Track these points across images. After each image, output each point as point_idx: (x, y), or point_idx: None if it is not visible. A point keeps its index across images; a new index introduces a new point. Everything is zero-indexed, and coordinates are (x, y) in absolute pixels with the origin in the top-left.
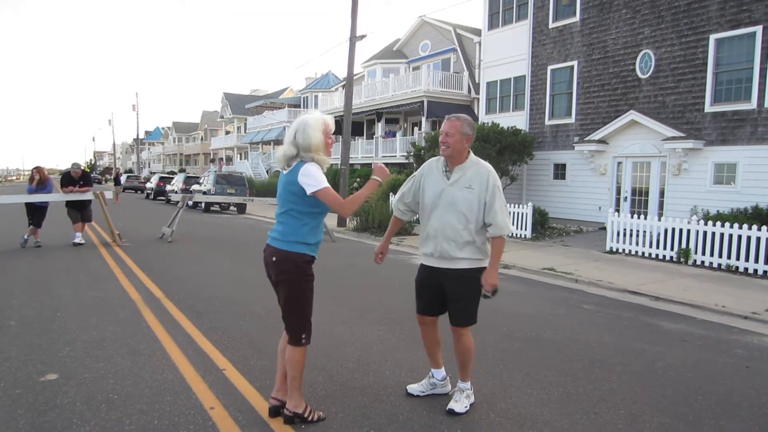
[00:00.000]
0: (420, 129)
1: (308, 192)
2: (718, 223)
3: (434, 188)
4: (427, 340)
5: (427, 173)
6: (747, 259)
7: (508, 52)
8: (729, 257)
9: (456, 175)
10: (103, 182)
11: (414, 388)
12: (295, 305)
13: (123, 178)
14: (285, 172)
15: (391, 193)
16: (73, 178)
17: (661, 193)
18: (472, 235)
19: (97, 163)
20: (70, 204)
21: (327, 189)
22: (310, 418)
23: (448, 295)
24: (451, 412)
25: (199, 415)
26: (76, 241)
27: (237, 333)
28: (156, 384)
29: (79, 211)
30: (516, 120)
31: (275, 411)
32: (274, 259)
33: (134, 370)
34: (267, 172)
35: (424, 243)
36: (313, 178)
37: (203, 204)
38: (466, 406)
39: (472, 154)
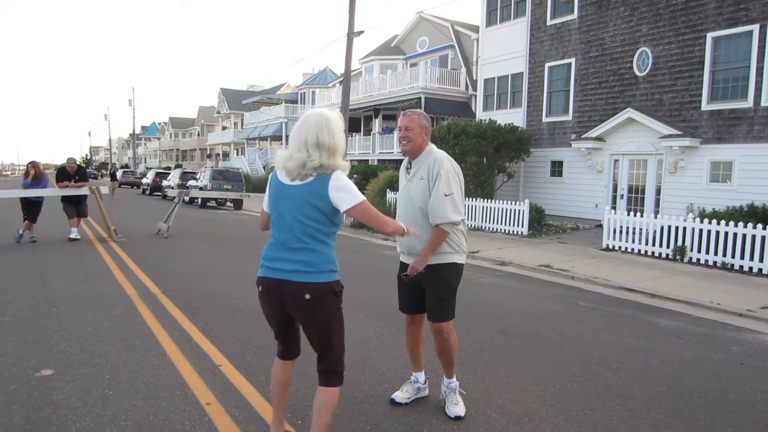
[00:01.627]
0: None
1: (344, 209)
2: (714, 221)
3: (400, 186)
4: (411, 339)
5: (400, 174)
6: (742, 257)
7: (505, 48)
8: (725, 255)
9: (414, 168)
10: (99, 177)
11: (400, 396)
12: (338, 339)
13: (119, 174)
14: (296, 182)
15: (388, 190)
16: (69, 173)
17: (658, 191)
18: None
19: (93, 159)
20: (65, 199)
21: (366, 203)
22: None
23: (426, 290)
24: (458, 418)
25: (195, 411)
26: (72, 236)
27: (233, 329)
28: (152, 380)
29: (75, 206)
30: (513, 117)
31: None
32: (308, 297)
33: (130, 365)
34: (264, 167)
35: (399, 240)
36: (350, 191)
37: (200, 200)
38: (464, 406)
39: (430, 146)
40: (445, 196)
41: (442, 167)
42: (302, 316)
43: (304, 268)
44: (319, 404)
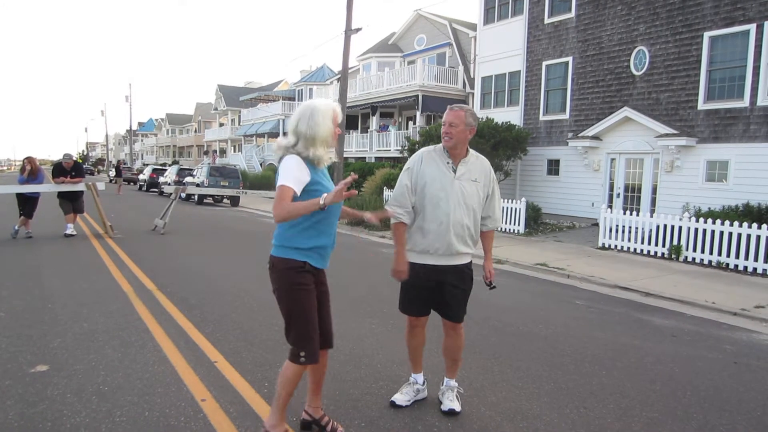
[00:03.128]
0: (415, 123)
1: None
2: (710, 220)
3: (439, 180)
4: (417, 341)
5: (426, 163)
6: (737, 256)
7: (503, 47)
8: (720, 254)
9: (462, 168)
10: (96, 173)
11: (400, 399)
12: (290, 319)
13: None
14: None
15: (385, 187)
16: (65, 169)
17: (654, 190)
18: (475, 229)
19: (90, 154)
20: (62, 195)
21: (282, 188)
22: None
23: (448, 291)
24: (452, 412)
25: (190, 407)
26: (68, 232)
27: (229, 325)
28: (147, 376)
29: (71, 203)
30: (510, 115)
31: (307, 426)
32: (268, 266)
33: (125, 362)
34: (261, 164)
35: (422, 239)
36: (284, 170)
37: (196, 196)
38: (460, 405)
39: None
40: (500, 202)
41: (494, 174)
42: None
43: (273, 240)
44: (281, 371)
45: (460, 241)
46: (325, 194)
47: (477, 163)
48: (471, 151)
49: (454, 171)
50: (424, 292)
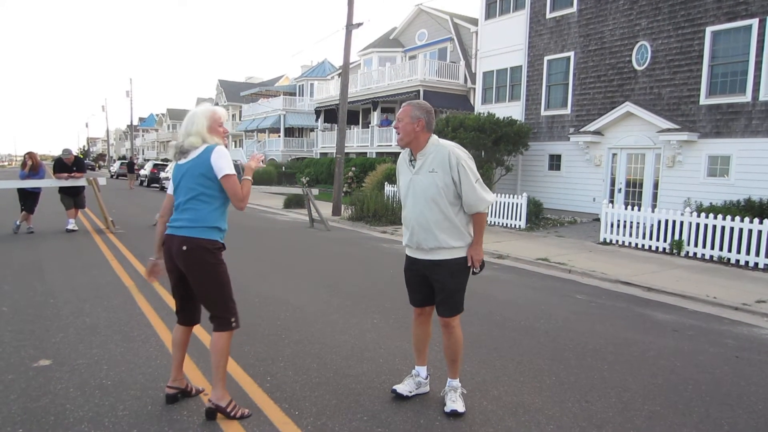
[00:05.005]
0: None
1: (220, 175)
2: (711, 215)
3: (404, 179)
4: (420, 332)
5: (399, 167)
6: (739, 251)
7: (504, 42)
8: (721, 249)
9: (419, 161)
10: (97, 169)
11: (401, 388)
12: (217, 291)
13: (116, 165)
14: (185, 160)
15: (386, 182)
16: (67, 165)
17: (655, 185)
18: (448, 221)
19: (90, 150)
20: (63, 190)
21: (234, 177)
22: (233, 413)
23: (433, 285)
24: (455, 413)
25: (192, 401)
26: (69, 227)
27: None
28: (150, 370)
29: (73, 198)
30: (512, 110)
31: (173, 399)
32: (184, 248)
33: (128, 356)
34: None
35: (404, 234)
36: (227, 161)
37: None
38: (463, 405)
39: (434, 138)
40: (475, 182)
41: (460, 158)
42: (183, 266)
43: (186, 224)
44: (210, 348)
45: (429, 237)
46: (244, 168)
47: (435, 152)
48: (431, 140)
49: (414, 166)
50: (417, 283)
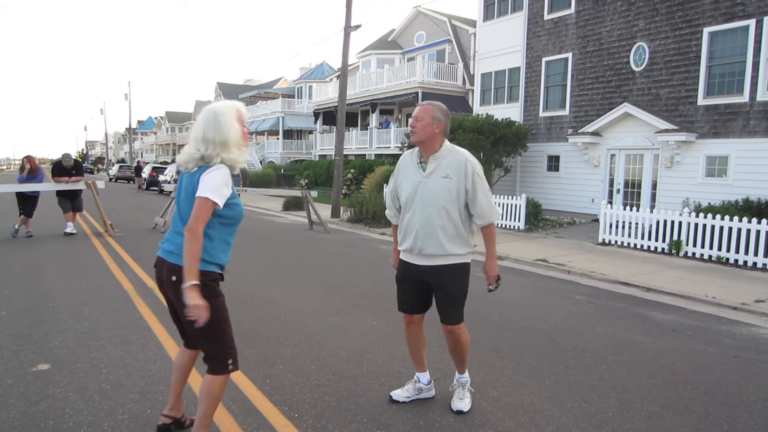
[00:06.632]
0: None
1: (198, 193)
2: (710, 216)
3: (410, 182)
4: (412, 339)
5: (402, 168)
6: (737, 251)
7: (503, 43)
8: (720, 249)
9: (431, 165)
10: (96, 172)
11: (398, 394)
12: (212, 329)
13: (115, 168)
14: (187, 172)
15: (384, 185)
16: (66, 168)
17: (654, 186)
18: (455, 228)
19: (89, 153)
20: (60, 194)
21: (206, 201)
22: None
23: (435, 292)
24: (460, 413)
25: (192, 405)
26: (68, 230)
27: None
28: (149, 374)
29: (70, 201)
30: (510, 112)
31: (165, 430)
32: (174, 279)
33: (127, 360)
34: (261, 162)
35: (403, 239)
36: (210, 181)
37: None
38: (470, 403)
39: (447, 142)
40: (487, 195)
41: (476, 167)
42: (174, 298)
43: (177, 249)
44: (200, 391)
45: (433, 243)
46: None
47: (449, 157)
48: (446, 145)
49: (424, 169)
50: (411, 290)
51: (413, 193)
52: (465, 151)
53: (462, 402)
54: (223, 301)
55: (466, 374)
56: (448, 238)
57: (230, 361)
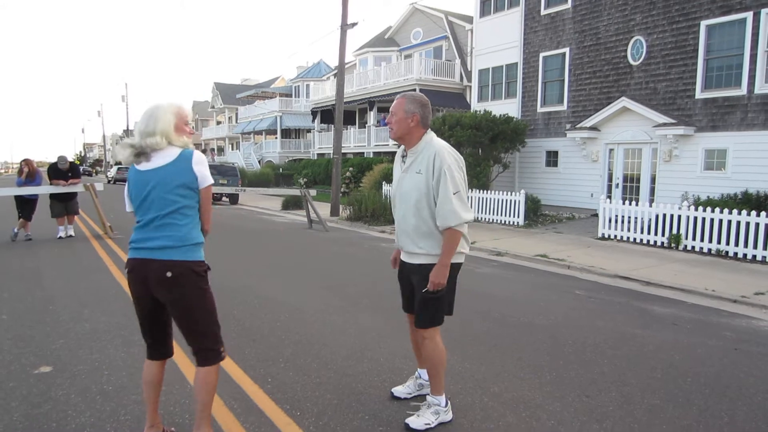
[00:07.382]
0: None
1: (204, 185)
2: (709, 209)
3: (395, 177)
4: (413, 336)
5: (395, 163)
6: (737, 244)
7: (500, 39)
8: (719, 242)
9: (409, 159)
10: (94, 174)
11: (400, 390)
12: (207, 321)
13: (113, 170)
14: (148, 165)
15: (384, 182)
16: (63, 171)
17: (653, 180)
18: (428, 225)
19: (87, 155)
20: (54, 197)
21: (211, 187)
22: None
23: (415, 290)
24: (406, 427)
25: (193, 404)
26: (61, 234)
27: (231, 322)
28: None
29: (65, 204)
30: (508, 108)
31: None
32: (169, 274)
33: (128, 361)
34: (259, 162)
35: (396, 236)
36: (204, 166)
37: None
38: (427, 424)
39: (428, 135)
40: (453, 194)
41: (444, 162)
42: (167, 294)
43: (168, 243)
44: (196, 385)
45: (411, 240)
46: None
47: (424, 150)
48: (425, 138)
49: (404, 164)
50: (403, 286)
51: (395, 189)
52: (440, 144)
53: (416, 418)
54: (212, 292)
55: (440, 398)
56: (421, 236)
57: (222, 348)
